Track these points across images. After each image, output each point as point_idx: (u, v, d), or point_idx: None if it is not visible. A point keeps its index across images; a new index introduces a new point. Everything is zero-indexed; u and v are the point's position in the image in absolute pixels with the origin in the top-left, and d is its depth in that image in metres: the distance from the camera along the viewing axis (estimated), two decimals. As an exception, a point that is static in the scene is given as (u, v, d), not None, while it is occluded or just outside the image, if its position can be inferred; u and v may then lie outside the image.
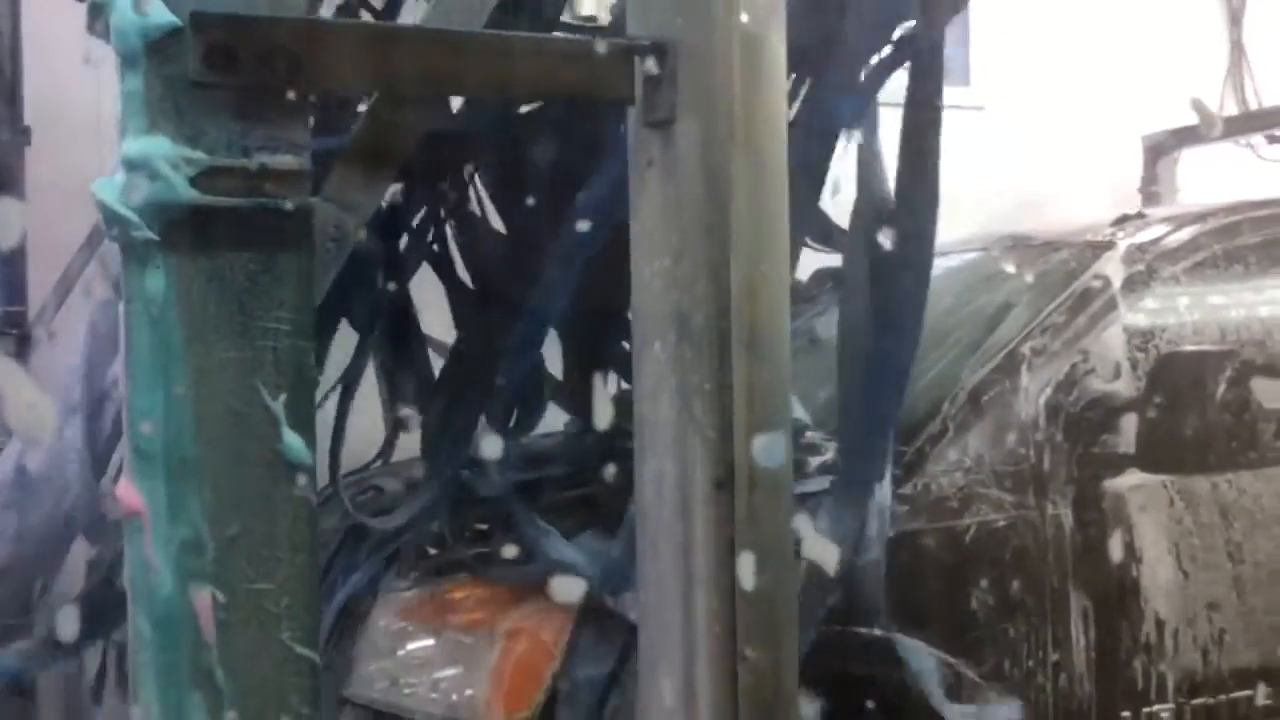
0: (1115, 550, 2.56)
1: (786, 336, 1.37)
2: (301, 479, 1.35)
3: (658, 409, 1.38)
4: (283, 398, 1.35)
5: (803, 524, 2.24)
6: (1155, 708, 2.66)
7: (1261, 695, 2.75)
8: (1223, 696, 2.71)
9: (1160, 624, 2.65)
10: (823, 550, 1.79)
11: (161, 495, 1.32)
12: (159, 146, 1.30)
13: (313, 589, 1.37)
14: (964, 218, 2.78)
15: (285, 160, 1.35)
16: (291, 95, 1.34)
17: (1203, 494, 2.79)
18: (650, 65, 1.41)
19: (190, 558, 1.32)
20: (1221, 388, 2.63)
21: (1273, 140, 4.44)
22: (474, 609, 2.26)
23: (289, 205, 1.36)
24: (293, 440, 1.36)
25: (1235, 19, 5.88)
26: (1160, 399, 2.61)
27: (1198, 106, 4.02)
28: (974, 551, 2.37)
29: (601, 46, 1.43)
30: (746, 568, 1.27)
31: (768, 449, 1.33)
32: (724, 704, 1.30)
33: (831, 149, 2.09)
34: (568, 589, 1.84)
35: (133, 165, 1.31)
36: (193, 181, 1.32)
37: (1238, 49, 5.90)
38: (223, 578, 1.32)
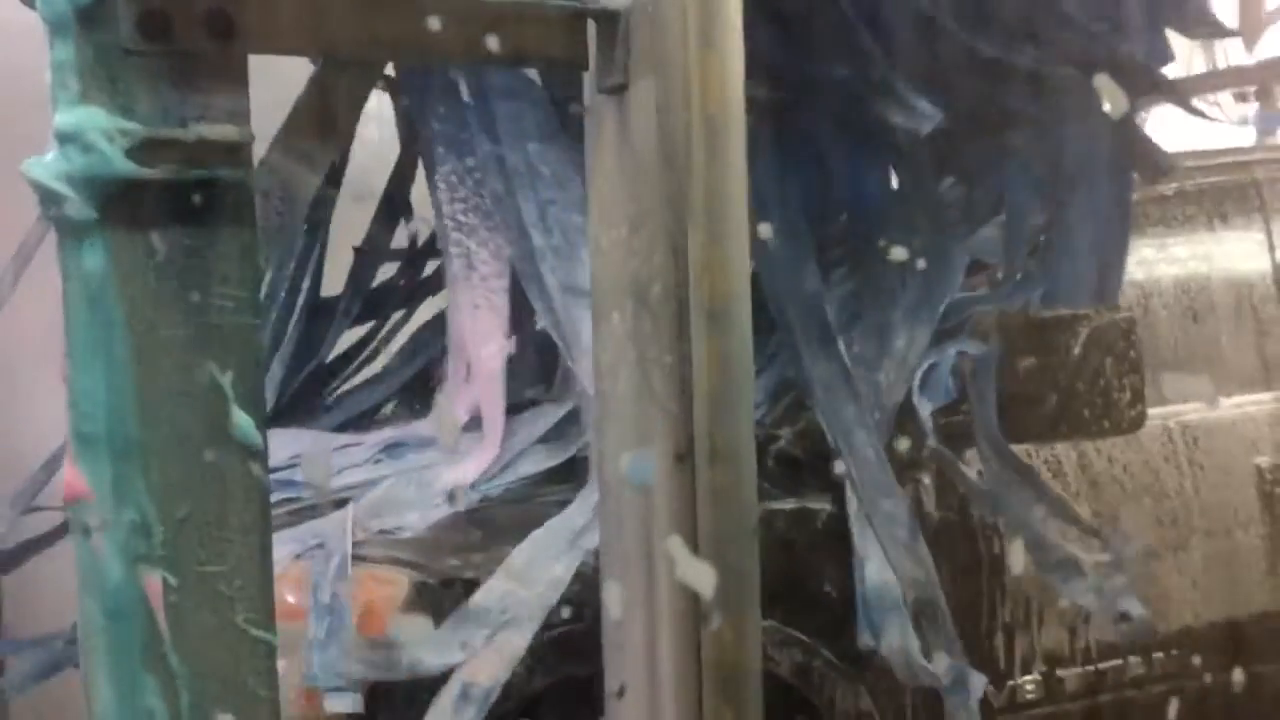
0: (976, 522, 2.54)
1: (747, 307, 1.34)
2: (252, 458, 1.32)
3: (617, 382, 1.35)
4: (230, 376, 1.31)
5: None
6: (1021, 679, 2.67)
7: (1133, 665, 2.76)
8: (1090, 667, 2.72)
9: (1027, 598, 2.64)
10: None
11: (106, 478, 1.29)
12: (92, 118, 1.25)
13: (266, 570, 1.34)
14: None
15: (225, 130, 1.30)
16: (229, 62, 1.29)
17: (1070, 464, 2.78)
18: (603, 28, 1.37)
19: (138, 541, 1.29)
20: (1077, 353, 2.58)
21: (1240, 99, 4.46)
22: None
23: (229, 177, 1.32)
24: (241, 419, 1.32)
25: None
26: (1020, 365, 2.55)
27: None
28: (828, 530, 2.36)
29: (553, 9, 1.38)
30: (708, 541, 1.25)
31: (726, 421, 1.31)
32: (688, 677, 1.29)
33: None
34: None
35: (65, 138, 1.26)
36: (128, 154, 1.27)
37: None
38: (173, 561, 1.29)
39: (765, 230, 2.25)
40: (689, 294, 1.31)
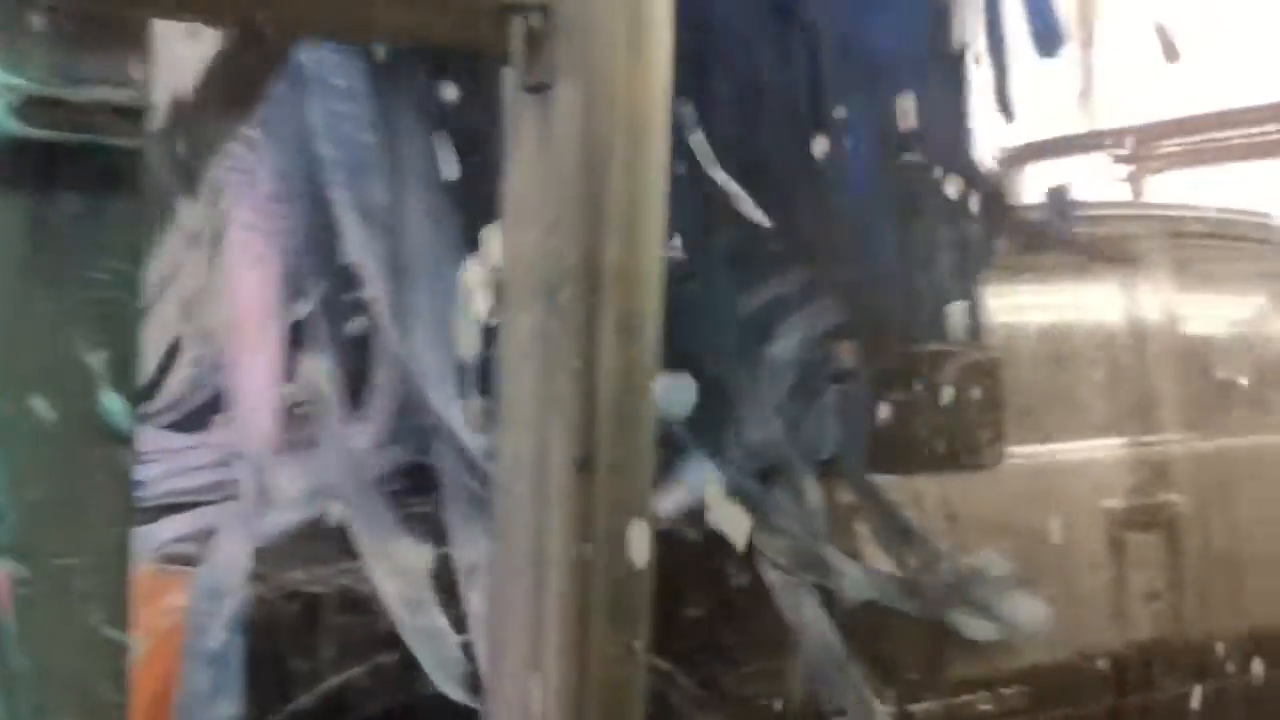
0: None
1: (657, 317, 1.34)
2: (118, 445, 1.24)
3: (521, 383, 1.33)
4: (102, 355, 1.24)
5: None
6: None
7: (981, 700, 2.83)
8: (940, 702, 2.74)
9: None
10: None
11: (-43, 455, 1.20)
12: (-23, 71, 1.18)
13: (125, 566, 1.26)
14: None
15: (120, 95, 1.23)
16: (129, 25, 1.22)
17: (930, 496, 2.85)
18: (530, 24, 1.35)
19: (-14, 527, 1.20)
20: (946, 388, 2.60)
21: (1118, 160, 4.68)
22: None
23: (122, 144, 1.25)
24: (111, 402, 1.25)
25: (1087, 43, 6.18)
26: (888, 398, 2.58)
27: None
28: (689, 553, 2.32)
29: None
30: (638, 541, 1.23)
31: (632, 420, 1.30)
32: (574, 689, 1.27)
33: None
34: None
35: (-53, 93, 1.18)
36: (14, 112, 1.19)
37: (1089, 71, 6.19)
38: (24, 550, 1.20)
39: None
40: (600, 300, 1.30)
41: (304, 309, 2.43)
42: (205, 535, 2.10)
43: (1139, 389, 3.43)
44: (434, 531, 2.10)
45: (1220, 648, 3.35)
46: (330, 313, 2.42)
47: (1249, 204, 3.82)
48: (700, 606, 2.31)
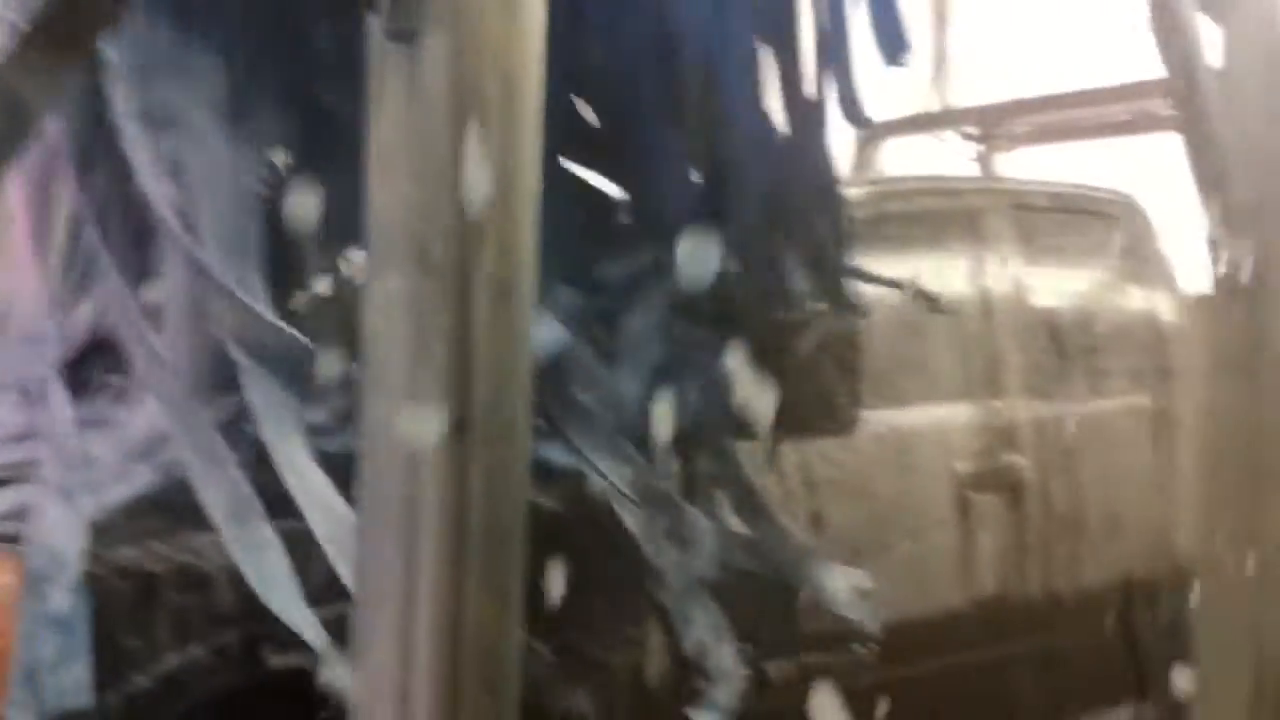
0: None
1: (533, 275, 1.29)
2: None
3: (390, 346, 1.26)
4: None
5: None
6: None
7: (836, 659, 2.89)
8: (796, 659, 2.83)
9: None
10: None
11: None
12: None
13: None
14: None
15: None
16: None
17: (790, 461, 2.90)
18: (395, -31, 1.28)
19: None
20: (805, 353, 2.66)
21: (966, 138, 4.80)
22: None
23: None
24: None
25: (941, 24, 6.32)
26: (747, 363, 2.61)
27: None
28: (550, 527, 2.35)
29: (342, -58, 1.29)
30: (515, 507, 1.18)
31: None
32: (448, 662, 1.22)
33: None
34: None
35: None
36: None
37: (942, 50, 6.34)
38: None
39: None
40: (475, 259, 1.25)
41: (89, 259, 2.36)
42: (25, 512, 2.01)
43: (987, 356, 3.53)
44: (253, 446, 2.11)
45: (1061, 604, 3.49)
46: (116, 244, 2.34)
47: (1095, 182, 3.96)
48: (562, 573, 2.29)
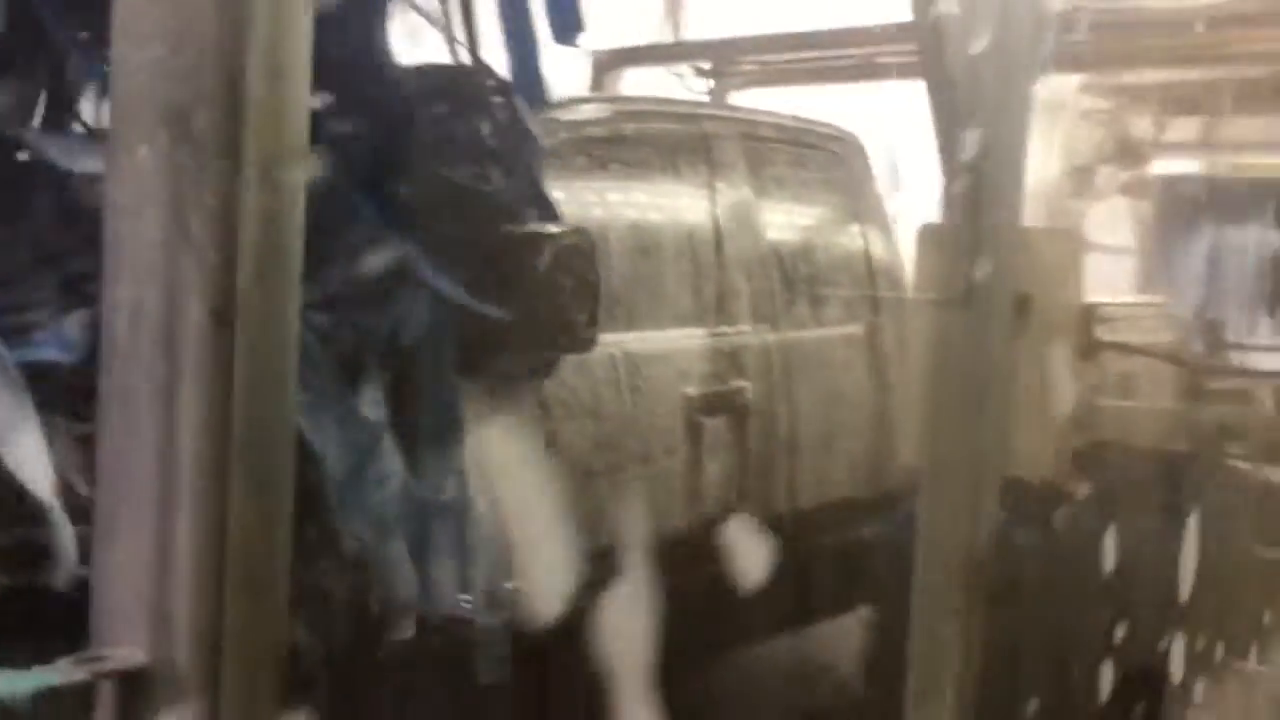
0: None
1: (305, 147, 1.20)
2: None
3: (140, 225, 1.15)
4: None
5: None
6: None
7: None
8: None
9: None
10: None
11: None
12: None
13: None
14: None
15: None
16: None
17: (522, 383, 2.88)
18: None
19: None
20: (540, 271, 2.54)
21: (700, 74, 4.84)
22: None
23: None
24: None
25: None
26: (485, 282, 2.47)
27: None
28: None
29: None
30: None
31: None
32: (209, 563, 1.14)
33: None
34: None
35: None
36: None
37: None
38: None
39: None
40: (241, 125, 1.14)
41: None
42: None
43: (716, 282, 3.60)
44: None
45: (782, 521, 3.64)
46: None
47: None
48: None
